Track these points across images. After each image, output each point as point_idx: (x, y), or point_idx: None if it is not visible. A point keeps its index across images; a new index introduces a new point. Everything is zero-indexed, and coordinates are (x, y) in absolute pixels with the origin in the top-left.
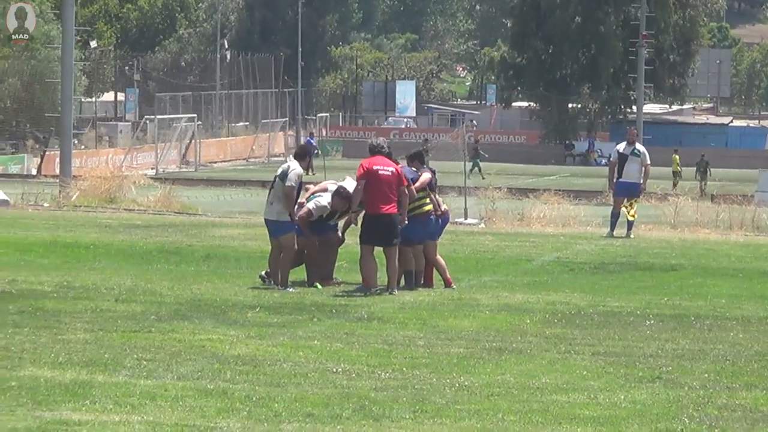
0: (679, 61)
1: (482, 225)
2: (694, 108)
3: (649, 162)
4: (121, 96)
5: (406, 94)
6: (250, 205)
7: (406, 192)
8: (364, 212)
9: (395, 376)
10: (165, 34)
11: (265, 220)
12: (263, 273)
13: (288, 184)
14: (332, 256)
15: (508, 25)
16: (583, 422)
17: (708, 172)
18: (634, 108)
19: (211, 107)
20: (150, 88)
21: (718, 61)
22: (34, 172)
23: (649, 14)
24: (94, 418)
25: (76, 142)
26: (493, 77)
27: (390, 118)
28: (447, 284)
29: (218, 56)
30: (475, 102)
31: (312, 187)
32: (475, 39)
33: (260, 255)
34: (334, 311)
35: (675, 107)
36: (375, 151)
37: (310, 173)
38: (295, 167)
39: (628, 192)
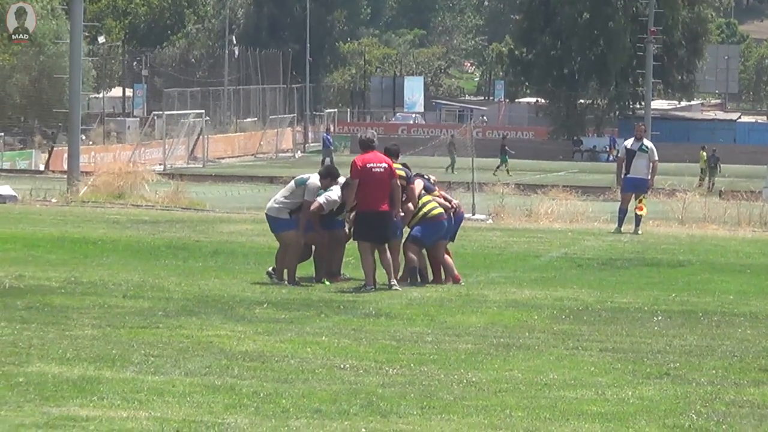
0: (687, 57)
1: (490, 221)
2: (702, 104)
3: (657, 158)
4: (129, 92)
5: (414, 89)
6: (258, 201)
7: (398, 184)
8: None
9: (403, 372)
10: (173, 29)
11: (266, 214)
12: (270, 269)
13: (308, 198)
14: (340, 252)
15: (517, 20)
16: (590, 418)
17: (718, 168)
18: (643, 104)
19: (219, 103)
20: (158, 84)
21: (726, 57)
22: (42, 167)
23: (657, 10)
24: (102, 413)
25: (84, 137)
26: (501, 73)
27: (398, 114)
28: (455, 281)
29: (226, 52)
30: (483, 98)
31: None
32: (483, 35)
33: (268, 251)
34: (341, 307)
35: (683, 103)
36: (366, 146)
37: None
38: (312, 181)
39: (636, 188)
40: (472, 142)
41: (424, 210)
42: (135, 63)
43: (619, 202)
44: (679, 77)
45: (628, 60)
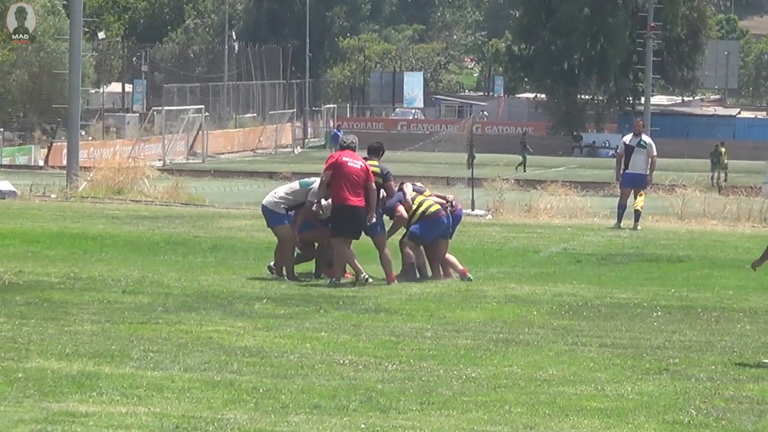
0: (687, 53)
1: (489, 216)
2: (701, 99)
3: (655, 153)
4: (128, 87)
5: (413, 85)
6: (257, 196)
7: (373, 187)
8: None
9: (402, 367)
10: (173, 25)
11: (262, 206)
12: (271, 264)
13: (311, 199)
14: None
15: (517, 15)
16: (590, 414)
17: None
18: (642, 99)
19: (218, 98)
20: (157, 79)
21: (725, 53)
22: (41, 163)
23: (657, 5)
24: (101, 409)
25: (83, 133)
26: (500, 68)
27: (397, 110)
28: (463, 275)
29: (226, 47)
30: (482, 93)
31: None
32: (482, 30)
33: (267, 246)
34: (341, 303)
35: (684, 99)
36: (345, 148)
37: None
38: (316, 185)
39: (635, 183)
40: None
41: (422, 208)
42: (134, 58)
43: (618, 198)
44: (679, 73)
45: (628, 55)
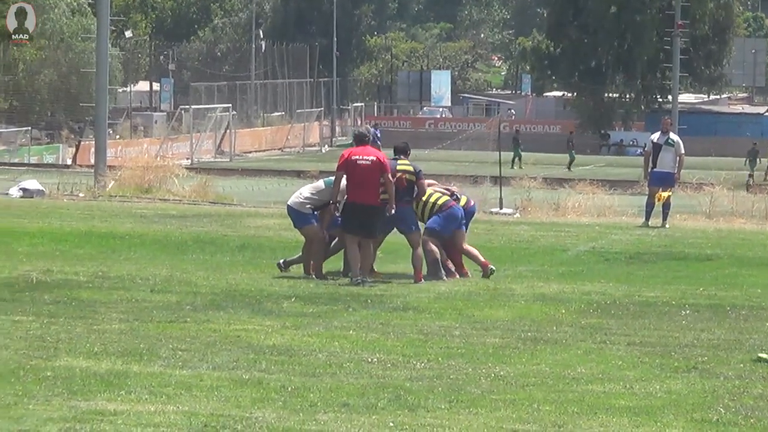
0: (714, 51)
1: (517, 215)
2: (729, 98)
3: (683, 151)
4: (156, 86)
5: (441, 83)
6: (284, 195)
7: (390, 180)
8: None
9: (431, 366)
10: (200, 23)
11: (288, 206)
12: (281, 261)
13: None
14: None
15: (544, 14)
16: (618, 412)
17: (758, 162)
18: (670, 97)
19: (246, 97)
20: (185, 78)
21: (753, 51)
22: (69, 162)
23: (684, 3)
24: (130, 408)
25: (110, 132)
26: (527, 67)
27: (425, 108)
28: (484, 268)
29: (253, 46)
30: (510, 91)
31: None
32: (510, 28)
33: (295, 245)
34: (369, 301)
35: (711, 97)
36: (359, 139)
37: None
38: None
39: (663, 182)
40: (498, 136)
41: (431, 201)
42: (162, 57)
43: (646, 196)
44: (707, 71)
45: (655, 53)
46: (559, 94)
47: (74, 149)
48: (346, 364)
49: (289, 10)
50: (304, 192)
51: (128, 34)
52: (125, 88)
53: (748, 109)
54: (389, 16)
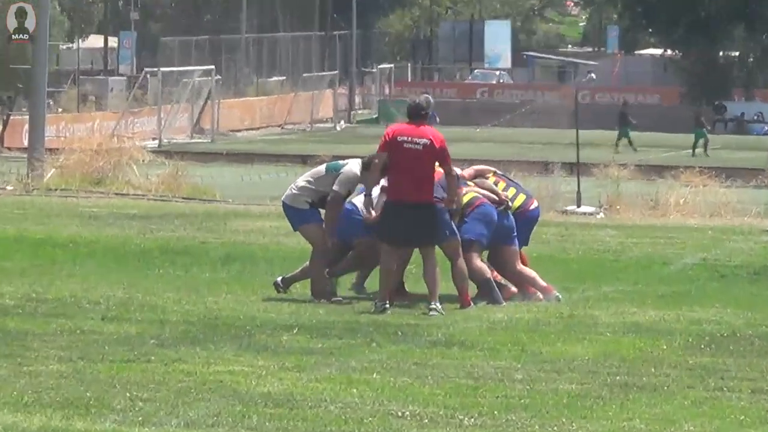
0: None
1: (601, 215)
2: None
3: None
4: (113, 41)
5: (498, 38)
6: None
7: (453, 171)
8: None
9: (483, 422)
10: None
11: (282, 203)
12: (279, 279)
13: (335, 188)
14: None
15: None
16: None
17: None
18: None
19: (234, 56)
20: (153, 31)
21: None
22: None
23: None
24: None
25: (50, 103)
26: (615, 16)
27: (476, 71)
28: (546, 293)
29: None
30: (590, 49)
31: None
32: None
33: (300, 256)
34: (399, 333)
35: None
36: (414, 113)
37: None
38: (351, 168)
39: None
40: (576, 108)
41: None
42: (121, 2)
43: None
44: None
45: None
46: (656, 52)
47: (1, 126)
48: (367, 420)
49: None
50: (298, 182)
51: None
52: (71, 45)
53: None
54: None
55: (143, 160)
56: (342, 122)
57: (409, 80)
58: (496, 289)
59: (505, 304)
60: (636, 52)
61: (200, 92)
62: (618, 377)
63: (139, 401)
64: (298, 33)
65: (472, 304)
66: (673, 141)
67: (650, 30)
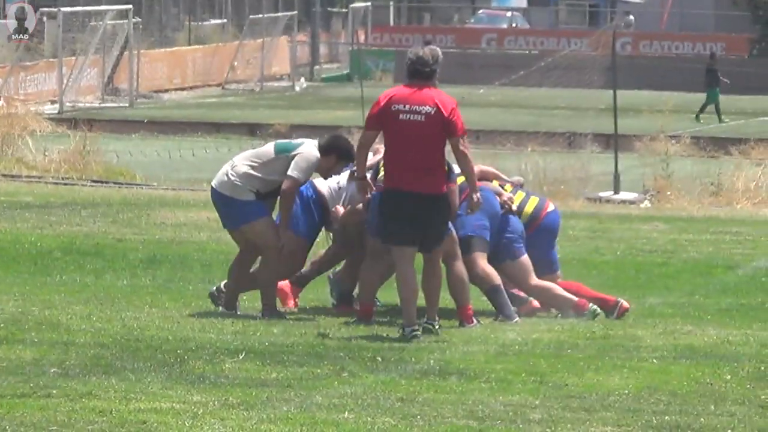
0: None
1: (647, 203)
2: None
3: None
4: None
5: None
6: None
7: (464, 147)
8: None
9: None
10: None
11: (212, 191)
12: (215, 288)
13: (292, 175)
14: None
15: None
16: None
17: None
18: None
19: None
20: None
21: None
22: None
23: None
24: None
25: None
26: None
27: (481, 13)
28: (580, 311)
29: None
30: None
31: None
32: None
33: None
34: (379, 360)
35: None
36: (414, 71)
37: None
38: (307, 150)
39: None
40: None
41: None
42: None
43: None
44: None
45: None
46: None
47: None
48: None
49: None
50: (238, 166)
51: None
52: None
53: None
54: None
55: (40, 131)
56: (302, 80)
57: (392, 24)
58: (506, 299)
59: (518, 320)
60: None
61: (114, 40)
62: (667, 417)
63: None
64: None
65: (474, 321)
66: (740, 105)
67: None
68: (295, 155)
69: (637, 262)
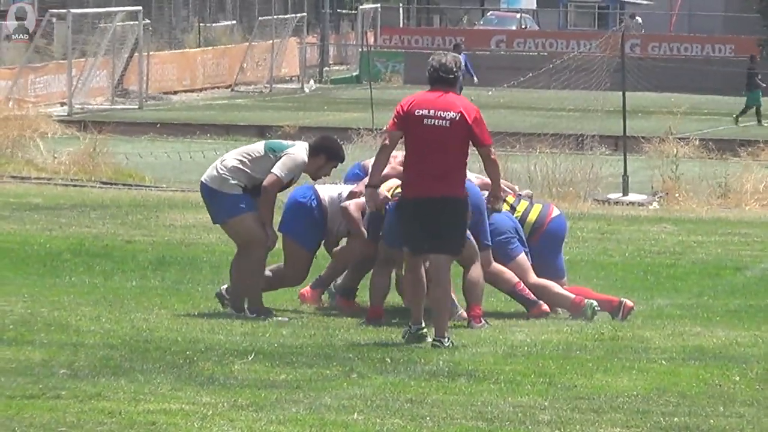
0: None
1: (656, 204)
2: None
3: None
4: None
5: None
6: None
7: (491, 153)
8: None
9: None
10: None
11: (202, 185)
12: (223, 289)
13: (275, 172)
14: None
15: None
16: None
17: None
18: None
19: None
20: None
21: None
22: None
23: None
24: None
25: None
26: None
27: (491, 14)
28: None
29: None
30: None
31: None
32: None
33: None
34: (388, 361)
35: None
36: (437, 78)
37: None
38: (297, 152)
39: None
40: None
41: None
42: None
43: None
44: None
45: None
46: None
47: None
48: None
49: None
50: (228, 160)
51: None
52: None
53: None
54: None
55: (49, 133)
56: (311, 82)
57: (401, 25)
58: (525, 299)
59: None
60: None
61: (123, 42)
62: (676, 418)
63: None
64: None
65: (482, 321)
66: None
67: None
68: (283, 155)
69: (645, 263)
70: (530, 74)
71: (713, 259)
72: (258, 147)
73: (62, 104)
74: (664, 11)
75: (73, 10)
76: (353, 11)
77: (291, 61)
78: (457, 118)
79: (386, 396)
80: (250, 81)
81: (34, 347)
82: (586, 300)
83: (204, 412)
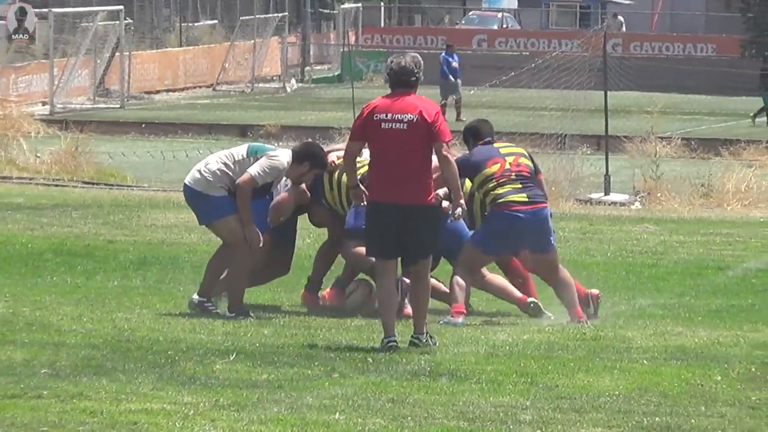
0: None
1: (638, 204)
2: None
3: None
4: None
5: None
6: None
7: (449, 155)
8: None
9: None
10: None
11: (186, 187)
12: (195, 297)
13: (250, 172)
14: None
15: None
16: None
17: None
18: None
19: None
20: None
21: None
22: None
23: None
24: None
25: None
26: None
27: (472, 14)
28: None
29: None
30: None
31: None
32: None
33: None
34: (370, 361)
35: None
36: (397, 80)
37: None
38: (277, 157)
39: None
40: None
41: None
42: None
43: None
44: None
45: None
46: None
47: None
48: None
49: None
50: (212, 163)
51: None
52: None
53: None
54: None
55: (31, 133)
56: (293, 81)
57: (383, 25)
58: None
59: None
60: None
61: (105, 41)
62: (657, 418)
63: None
64: None
65: (460, 318)
66: (731, 106)
67: None
68: (262, 157)
69: (627, 263)
70: (512, 73)
71: (695, 259)
72: (241, 150)
73: (44, 103)
74: (645, 11)
75: (54, 10)
76: (334, 11)
77: (272, 60)
78: (415, 119)
79: (368, 396)
80: (232, 80)
81: (15, 347)
82: (528, 299)
83: (185, 411)
